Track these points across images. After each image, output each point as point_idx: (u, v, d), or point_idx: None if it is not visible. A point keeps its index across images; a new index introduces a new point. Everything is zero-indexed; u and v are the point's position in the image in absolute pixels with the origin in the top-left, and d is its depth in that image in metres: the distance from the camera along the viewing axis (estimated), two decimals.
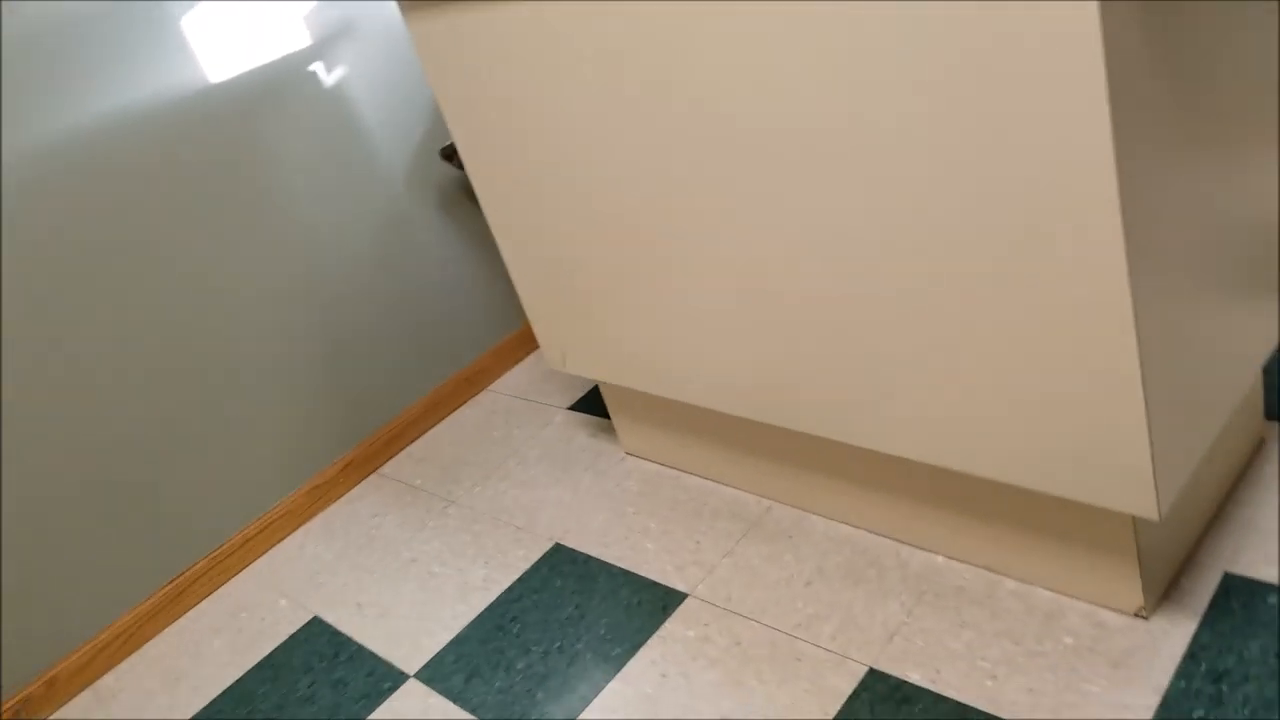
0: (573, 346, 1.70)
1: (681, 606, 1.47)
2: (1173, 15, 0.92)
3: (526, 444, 2.03)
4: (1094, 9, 0.83)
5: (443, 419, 2.24)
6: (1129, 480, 1.04)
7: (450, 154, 2.10)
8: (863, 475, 1.44)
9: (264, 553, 1.98)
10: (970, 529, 1.34)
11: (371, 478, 2.11)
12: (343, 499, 2.07)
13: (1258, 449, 1.39)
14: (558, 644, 1.48)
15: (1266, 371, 1.52)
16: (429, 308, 2.19)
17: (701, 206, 1.28)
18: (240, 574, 1.94)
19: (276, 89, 1.90)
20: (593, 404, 2.09)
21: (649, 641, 1.42)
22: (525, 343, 2.37)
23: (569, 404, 2.12)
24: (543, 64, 1.36)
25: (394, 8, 2.06)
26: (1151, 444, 1.00)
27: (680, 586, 1.51)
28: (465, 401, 2.28)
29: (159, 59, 1.75)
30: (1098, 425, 1.04)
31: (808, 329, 1.26)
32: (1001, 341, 1.07)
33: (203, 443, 1.88)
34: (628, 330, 1.55)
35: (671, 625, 1.44)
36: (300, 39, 1.93)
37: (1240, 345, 1.16)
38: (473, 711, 1.41)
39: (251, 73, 1.87)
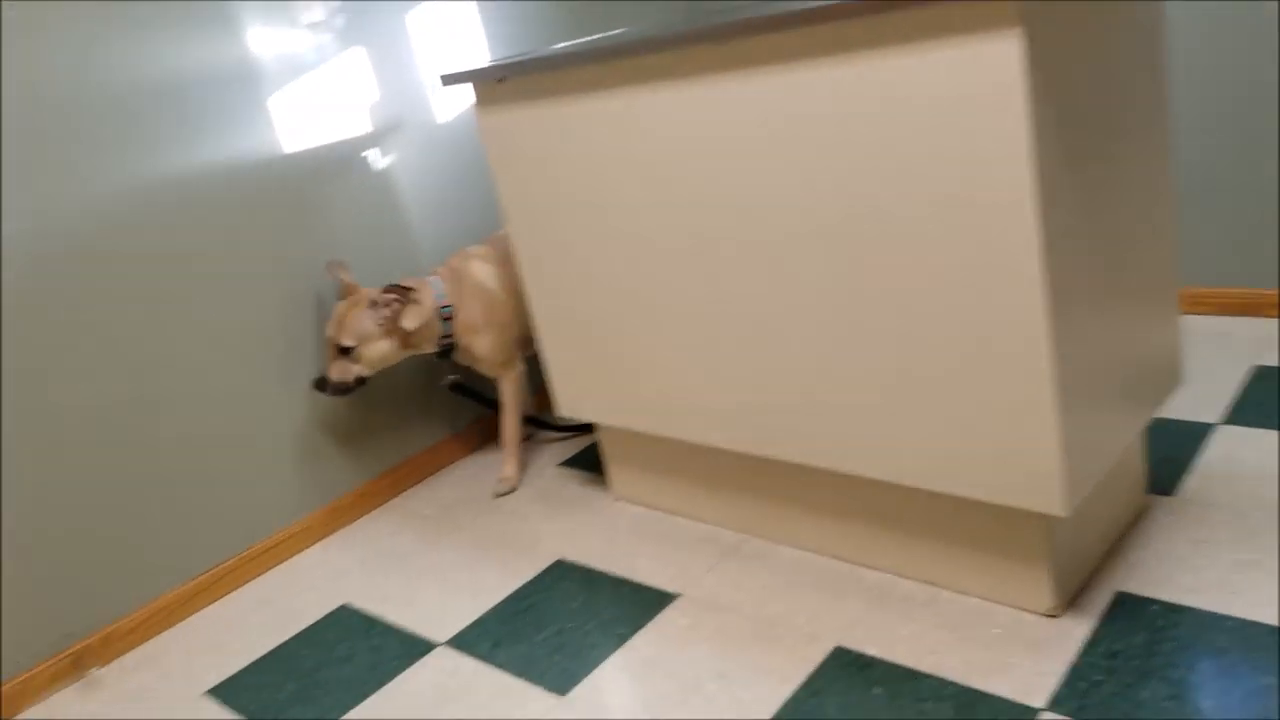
0: (586, 396, 2.02)
1: (674, 603, 1.74)
2: (1094, 216, 1.34)
3: (522, 492, 2.30)
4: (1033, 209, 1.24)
5: (440, 470, 2.49)
6: (1044, 484, 1.40)
7: (321, 385, 2.13)
8: (824, 503, 1.76)
9: (287, 558, 2.18)
10: (916, 548, 1.66)
11: (382, 508, 2.35)
12: (357, 521, 2.30)
13: (1141, 514, 1.76)
14: (570, 624, 1.73)
15: (1149, 454, 1.91)
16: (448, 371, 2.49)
17: (705, 276, 1.65)
18: (265, 573, 2.14)
19: (335, 165, 2.26)
20: (581, 462, 2.38)
21: (648, 625, 1.69)
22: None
23: (558, 462, 2.40)
24: (588, 161, 1.74)
25: (434, 112, 2.46)
26: (1063, 453, 1.36)
27: (672, 589, 1.78)
28: (461, 458, 2.54)
29: (245, 127, 2.11)
30: (1022, 441, 1.39)
31: (783, 369, 1.61)
32: (940, 373, 1.43)
33: (240, 455, 2.12)
34: (636, 380, 1.88)
35: (667, 614, 1.71)
36: (360, 126, 2.30)
37: (1125, 414, 1.55)
38: (500, 668, 1.65)
39: (316, 149, 2.22)
